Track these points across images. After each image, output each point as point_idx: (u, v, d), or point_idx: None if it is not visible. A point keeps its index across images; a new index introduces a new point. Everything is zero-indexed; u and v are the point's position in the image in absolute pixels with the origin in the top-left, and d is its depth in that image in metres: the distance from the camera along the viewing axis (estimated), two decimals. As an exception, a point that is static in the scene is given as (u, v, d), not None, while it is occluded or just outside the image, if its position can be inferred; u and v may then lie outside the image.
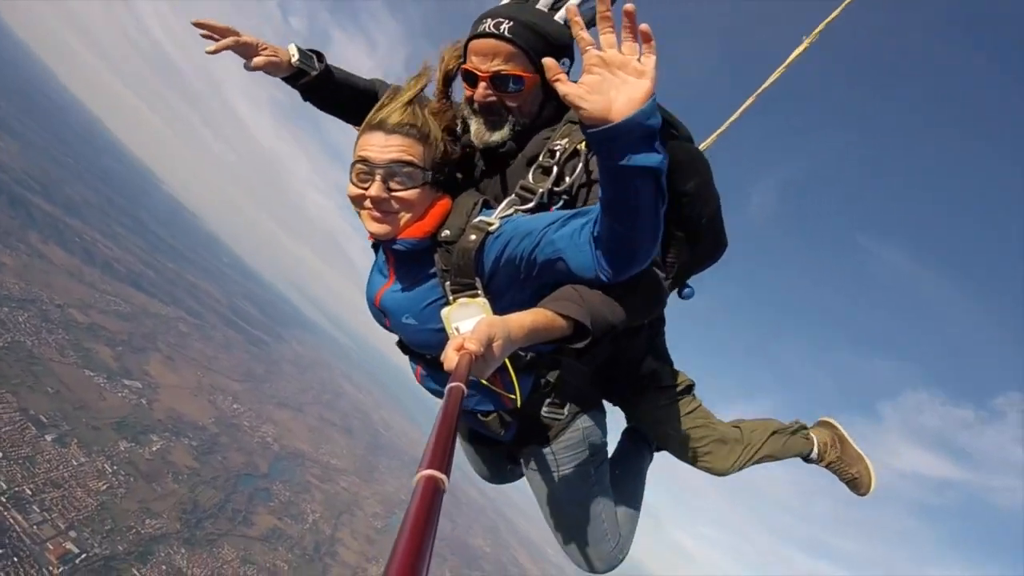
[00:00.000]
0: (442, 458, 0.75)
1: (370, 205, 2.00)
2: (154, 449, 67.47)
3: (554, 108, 2.28)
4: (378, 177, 1.96)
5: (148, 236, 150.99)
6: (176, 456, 69.91)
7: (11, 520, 45.56)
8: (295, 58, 2.54)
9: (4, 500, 46.42)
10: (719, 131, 3.27)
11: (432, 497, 0.65)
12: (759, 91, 3.17)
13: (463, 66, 2.22)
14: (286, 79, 2.60)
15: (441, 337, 1.93)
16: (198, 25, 2.38)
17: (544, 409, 2.40)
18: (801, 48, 3.06)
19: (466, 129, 2.33)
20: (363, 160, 1.97)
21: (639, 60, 1.50)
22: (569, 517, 2.69)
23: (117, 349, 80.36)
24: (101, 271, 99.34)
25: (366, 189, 1.97)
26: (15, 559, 43.11)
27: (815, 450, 3.16)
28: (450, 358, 1.38)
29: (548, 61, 1.57)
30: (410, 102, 2.04)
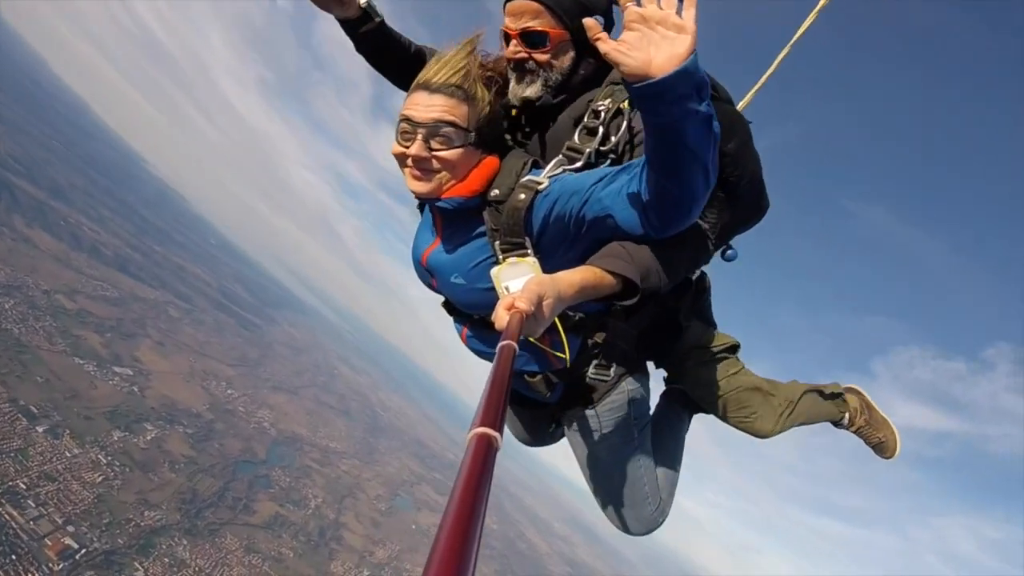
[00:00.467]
0: (495, 416, 0.75)
1: (411, 164, 2.03)
2: (149, 438, 66.23)
3: (593, 67, 2.32)
4: (419, 136, 1.99)
5: (135, 219, 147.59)
6: (172, 444, 68.62)
7: (6, 516, 44.19)
8: (363, 1, 2.56)
9: (-3, 496, 44.79)
10: (754, 89, 3.21)
11: (486, 455, 0.64)
12: (792, 42, 3.11)
13: (501, 27, 2.31)
14: (346, 23, 2.60)
15: (490, 296, 1.97)
16: None
17: (591, 370, 2.41)
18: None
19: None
20: (406, 119, 2.01)
21: (679, 15, 1.51)
22: (611, 479, 2.70)
23: (106, 335, 78.71)
24: (88, 256, 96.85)
25: (407, 147, 2.01)
26: (13, 556, 41.81)
27: (847, 416, 3.21)
28: (501, 317, 1.40)
29: (588, 21, 1.59)
30: (457, 63, 2.05)
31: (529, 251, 1.98)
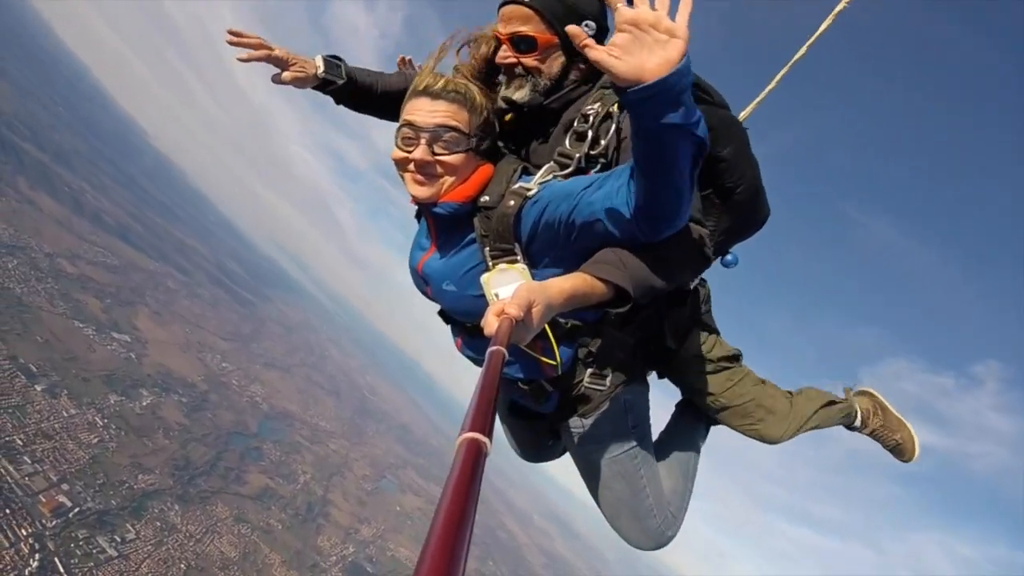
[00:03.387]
0: (484, 421, 0.75)
1: (414, 168, 2.04)
2: (144, 404, 66.82)
3: (585, 71, 2.32)
4: (423, 141, 2.01)
5: (136, 190, 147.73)
6: (166, 412, 69.26)
7: (2, 470, 44.85)
8: (320, 70, 2.66)
9: (-6, 449, 45.16)
10: (759, 99, 3.14)
11: (475, 460, 0.64)
12: (797, 55, 3.07)
13: (492, 31, 2.31)
14: (316, 88, 2.72)
15: (481, 303, 1.93)
16: (232, 34, 2.50)
17: (586, 379, 2.37)
18: (843, 4, 2.99)
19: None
20: (409, 124, 2.02)
21: (671, 17, 1.46)
22: (612, 492, 2.63)
23: (106, 302, 79.26)
24: (90, 222, 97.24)
25: (410, 152, 2.02)
26: (7, 511, 42.37)
27: (858, 418, 3.18)
28: (490, 323, 1.40)
29: (572, 29, 1.55)
30: (453, 69, 2.16)
31: (519, 257, 2.00)
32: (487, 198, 2.04)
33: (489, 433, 0.73)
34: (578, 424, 2.53)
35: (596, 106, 2.19)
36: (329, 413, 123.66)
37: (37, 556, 41.08)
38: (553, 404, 2.48)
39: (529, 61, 2.27)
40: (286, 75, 2.60)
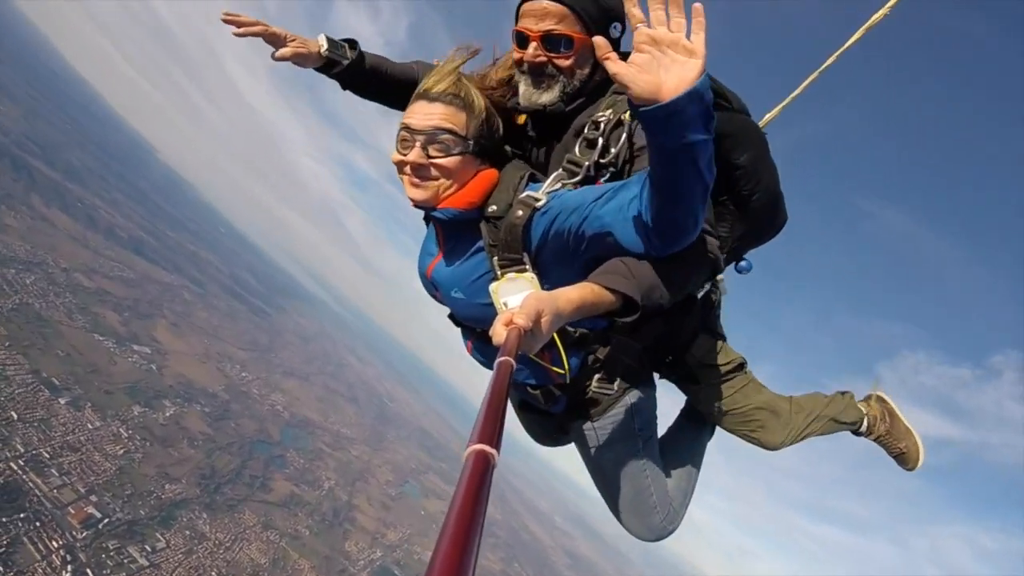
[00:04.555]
0: (492, 432, 0.75)
1: (410, 171, 2.04)
2: (167, 414, 66.61)
3: (604, 75, 2.13)
4: (418, 143, 2.00)
5: (148, 204, 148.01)
6: (190, 422, 69.03)
7: (30, 483, 44.34)
8: (324, 48, 2.53)
9: (22, 463, 45.05)
10: (781, 105, 3.09)
11: (483, 472, 0.64)
12: (828, 63, 2.98)
13: (515, 27, 2.23)
14: (320, 69, 2.60)
15: (490, 311, 1.94)
16: (227, 18, 2.38)
17: (593, 385, 2.40)
18: (879, 14, 2.82)
19: (515, 93, 2.31)
20: (405, 127, 2.03)
21: (688, 38, 1.49)
22: (616, 489, 2.69)
23: (124, 315, 79.20)
24: (104, 237, 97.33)
25: (406, 155, 2.02)
26: (37, 523, 41.97)
27: (865, 423, 3.16)
28: (499, 332, 1.40)
29: (598, 40, 1.56)
30: (453, 72, 2.08)
31: (527, 267, 1.97)
32: (495, 207, 2.02)
33: (497, 444, 0.73)
34: (586, 426, 2.55)
35: (608, 113, 2.13)
36: (350, 420, 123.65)
37: (69, 568, 40.71)
38: (562, 406, 2.51)
39: (563, 62, 2.17)
40: (286, 50, 2.44)
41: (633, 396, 2.50)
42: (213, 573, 51.50)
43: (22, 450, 45.86)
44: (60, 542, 41.97)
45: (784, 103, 3.09)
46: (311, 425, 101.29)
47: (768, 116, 3.08)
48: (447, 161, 1.99)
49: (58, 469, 47.48)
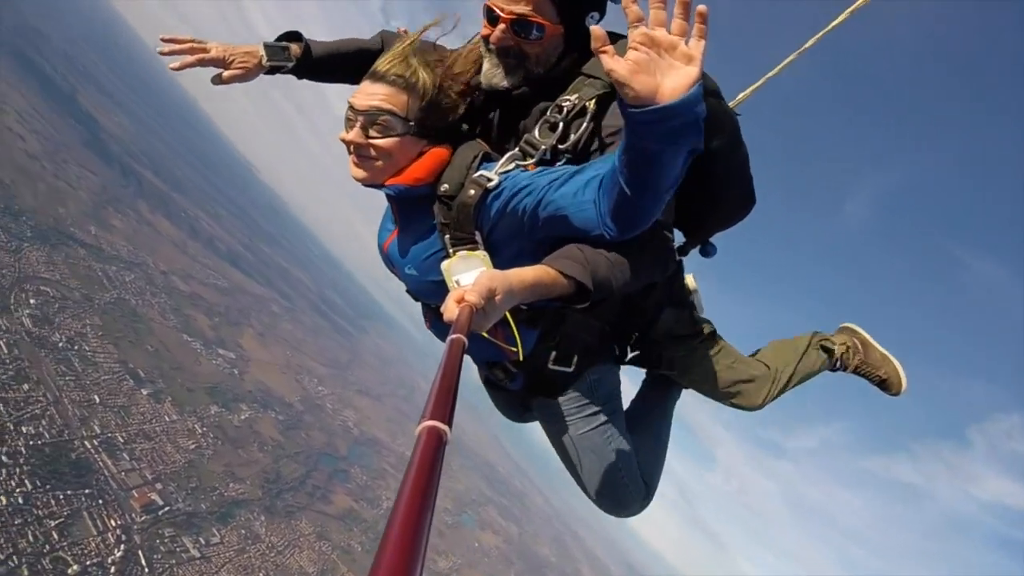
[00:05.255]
0: (444, 409, 0.74)
1: (352, 150, 2.05)
2: (242, 417, 68.30)
3: (572, 61, 2.19)
4: (358, 124, 2.00)
5: (247, 220, 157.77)
6: (262, 427, 70.48)
7: (101, 463, 45.67)
8: (264, 59, 2.47)
9: (96, 443, 46.57)
10: (754, 87, 3.04)
11: (436, 448, 0.63)
12: (806, 45, 2.92)
13: (486, 2, 2.13)
14: (267, 73, 2.54)
15: (442, 288, 1.91)
16: (164, 41, 2.30)
17: (551, 362, 2.38)
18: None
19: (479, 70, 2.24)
20: (350, 106, 2.03)
21: (687, 43, 1.45)
22: (584, 466, 2.66)
23: (214, 320, 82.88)
24: (203, 246, 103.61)
25: (347, 135, 2.03)
26: (100, 501, 42.92)
27: (837, 357, 3.18)
28: (450, 310, 1.40)
29: (596, 30, 1.49)
30: (403, 51, 2.04)
31: (480, 245, 1.96)
32: (446, 186, 2.00)
33: (449, 421, 0.72)
34: (546, 403, 2.55)
35: (573, 98, 2.07)
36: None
37: (122, 547, 41.24)
38: (519, 384, 2.48)
39: (531, 48, 2.09)
40: (225, 75, 2.37)
41: (593, 372, 2.47)
42: (261, 574, 51.33)
43: (98, 431, 47.46)
44: (118, 522, 42.77)
45: (756, 85, 3.00)
46: (378, 444, 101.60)
47: (741, 96, 3.00)
48: (384, 142, 1.97)
49: (129, 454, 48.87)
